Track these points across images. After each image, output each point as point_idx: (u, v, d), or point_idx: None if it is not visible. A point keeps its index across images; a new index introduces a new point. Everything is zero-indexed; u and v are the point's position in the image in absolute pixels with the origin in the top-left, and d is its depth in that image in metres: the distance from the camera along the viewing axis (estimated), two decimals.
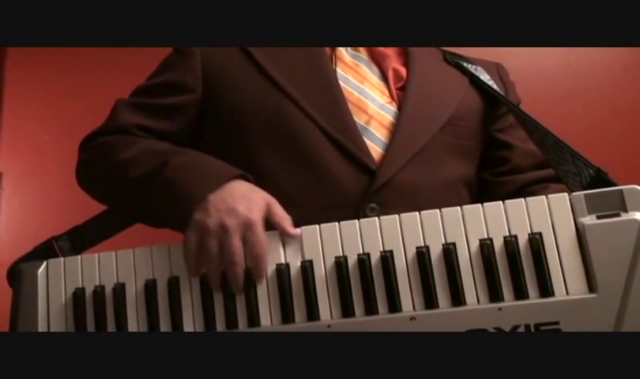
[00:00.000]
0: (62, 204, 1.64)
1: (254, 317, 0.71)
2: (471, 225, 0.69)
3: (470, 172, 0.90)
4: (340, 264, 0.70)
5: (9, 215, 1.83)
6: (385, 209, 0.77)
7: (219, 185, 0.73)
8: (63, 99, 1.88)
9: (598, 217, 0.66)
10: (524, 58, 1.66)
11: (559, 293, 0.65)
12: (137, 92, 0.92)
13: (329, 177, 0.79)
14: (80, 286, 0.76)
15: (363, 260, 0.69)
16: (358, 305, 0.69)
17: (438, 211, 0.70)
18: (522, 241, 0.67)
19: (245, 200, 0.72)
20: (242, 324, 0.71)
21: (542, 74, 1.73)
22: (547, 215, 0.67)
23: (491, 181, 0.93)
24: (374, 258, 0.70)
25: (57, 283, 0.76)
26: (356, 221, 0.71)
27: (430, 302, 0.67)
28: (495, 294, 0.66)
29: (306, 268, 0.70)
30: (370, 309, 0.68)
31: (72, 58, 1.86)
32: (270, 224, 0.73)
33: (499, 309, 0.65)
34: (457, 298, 0.67)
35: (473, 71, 0.93)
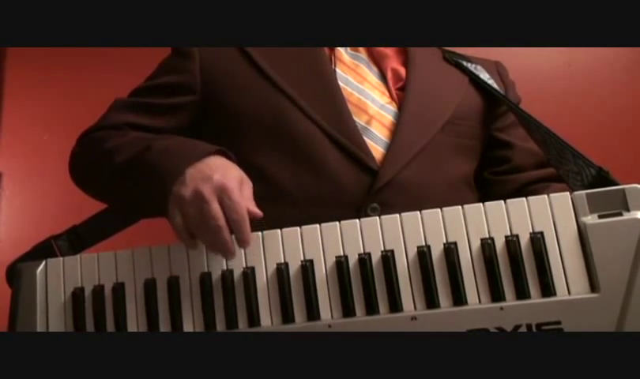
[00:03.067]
0: (62, 203, 1.63)
1: (254, 317, 0.70)
2: (472, 224, 0.68)
3: (472, 171, 0.90)
4: (341, 263, 0.69)
5: (9, 215, 1.83)
6: (386, 209, 0.76)
7: (197, 160, 0.72)
8: (63, 99, 1.88)
9: (600, 216, 0.65)
10: (524, 58, 1.66)
11: (561, 292, 0.65)
12: (134, 92, 0.92)
13: (331, 177, 0.79)
14: (80, 285, 0.75)
15: (364, 260, 0.69)
16: (359, 305, 0.69)
17: (439, 210, 0.70)
18: (524, 240, 0.67)
19: (221, 169, 0.71)
20: (243, 324, 0.70)
21: (542, 74, 1.72)
22: (549, 215, 0.67)
23: (491, 180, 0.93)
24: (375, 258, 0.69)
25: (56, 282, 0.76)
26: (357, 220, 0.71)
27: (431, 301, 0.67)
28: (496, 294, 0.66)
29: (307, 267, 0.70)
30: (371, 308, 0.68)
31: (72, 58, 1.86)
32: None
33: (501, 308, 0.65)
34: (459, 297, 0.67)
35: (473, 70, 0.93)
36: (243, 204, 0.69)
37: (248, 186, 0.73)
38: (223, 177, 0.70)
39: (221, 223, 0.68)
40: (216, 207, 0.68)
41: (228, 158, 0.76)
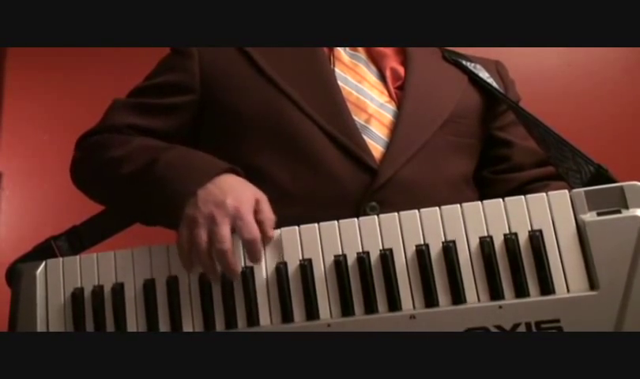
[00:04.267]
0: (62, 204, 1.63)
1: (253, 317, 0.70)
2: (471, 223, 0.68)
3: (471, 170, 0.90)
4: (340, 262, 0.69)
5: (9, 215, 1.83)
6: (385, 208, 0.76)
7: (208, 180, 0.73)
8: (63, 99, 1.88)
9: (599, 214, 0.65)
10: (524, 58, 1.66)
11: (560, 290, 0.65)
12: (133, 92, 0.92)
13: (330, 176, 0.79)
14: (79, 286, 0.75)
15: (363, 259, 0.69)
16: (357, 304, 0.69)
17: (437, 208, 0.70)
18: (523, 238, 0.67)
19: (234, 192, 0.71)
20: (242, 324, 0.70)
21: (542, 74, 1.72)
22: (548, 213, 0.67)
23: (490, 179, 0.93)
24: (374, 256, 0.69)
25: (56, 283, 0.76)
26: (355, 219, 0.71)
27: (430, 300, 0.67)
28: (495, 292, 0.66)
29: (306, 266, 0.70)
30: (370, 307, 0.68)
31: (72, 58, 1.86)
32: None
33: (500, 307, 0.65)
34: (458, 296, 0.67)
35: (472, 69, 0.93)
36: (256, 225, 0.70)
37: (265, 202, 0.73)
38: (235, 200, 0.70)
39: (227, 245, 0.69)
40: (225, 231, 0.69)
41: (238, 175, 0.76)
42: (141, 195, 0.78)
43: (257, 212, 0.72)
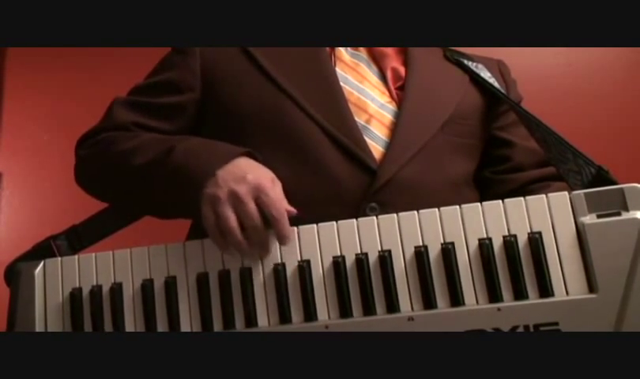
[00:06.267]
0: (62, 203, 1.63)
1: (251, 318, 0.70)
2: (470, 224, 0.68)
3: (472, 170, 0.89)
4: (338, 263, 0.69)
5: (9, 215, 1.83)
6: (385, 209, 0.76)
7: (226, 161, 0.73)
8: (63, 99, 1.88)
9: (598, 216, 0.65)
10: (524, 58, 1.66)
11: (559, 293, 0.65)
12: (135, 91, 0.91)
13: (330, 176, 0.79)
14: (78, 286, 0.75)
15: (361, 260, 0.69)
16: (356, 306, 0.68)
17: (436, 210, 0.69)
18: (522, 240, 0.66)
19: (253, 170, 0.72)
20: (240, 325, 0.70)
21: (542, 74, 1.73)
22: (547, 215, 0.67)
23: (491, 179, 0.92)
24: (372, 258, 0.69)
25: (54, 282, 0.76)
26: (354, 220, 0.71)
27: (428, 302, 0.67)
28: (494, 295, 0.66)
29: (304, 267, 0.70)
30: (368, 309, 0.68)
31: (72, 58, 1.86)
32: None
33: (498, 309, 0.65)
34: (456, 298, 0.66)
35: (474, 69, 0.92)
36: (280, 201, 0.70)
37: (279, 185, 0.73)
38: (256, 177, 0.71)
39: (257, 222, 0.69)
40: (252, 206, 0.69)
41: (255, 159, 0.76)
42: (158, 184, 0.77)
43: None
